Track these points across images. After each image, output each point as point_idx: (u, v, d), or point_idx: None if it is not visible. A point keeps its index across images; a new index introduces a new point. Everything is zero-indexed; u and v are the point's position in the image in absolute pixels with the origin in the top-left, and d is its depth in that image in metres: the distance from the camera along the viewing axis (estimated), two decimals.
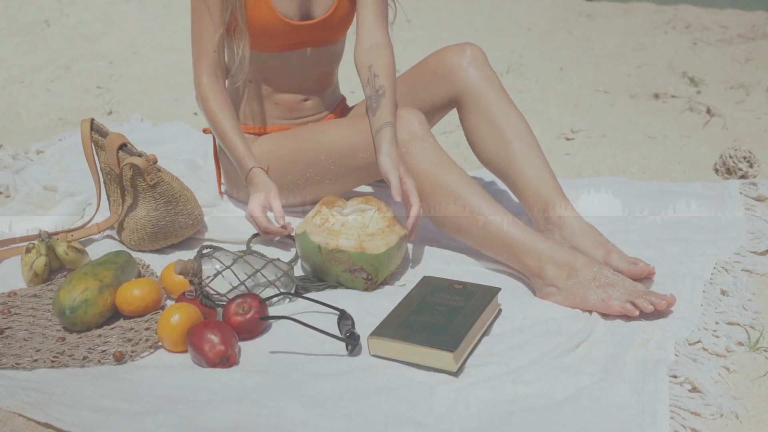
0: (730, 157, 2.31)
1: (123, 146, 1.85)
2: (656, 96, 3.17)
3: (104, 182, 1.96)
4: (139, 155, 1.82)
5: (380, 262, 1.63)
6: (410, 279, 1.72)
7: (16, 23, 4.74)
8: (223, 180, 2.13)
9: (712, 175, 2.36)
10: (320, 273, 1.68)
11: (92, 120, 1.92)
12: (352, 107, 2.15)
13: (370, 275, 1.64)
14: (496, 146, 1.83)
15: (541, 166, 1.79)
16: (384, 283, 1.70)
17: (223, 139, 1.88)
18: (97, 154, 1.94)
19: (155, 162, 1.83)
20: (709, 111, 2.92)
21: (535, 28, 4.77)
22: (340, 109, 2.13)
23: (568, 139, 2.71)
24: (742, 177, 2.28)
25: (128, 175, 1.83)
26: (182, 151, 2.50)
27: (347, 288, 1.67)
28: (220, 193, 2.14)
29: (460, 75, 1.87)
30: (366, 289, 1.66)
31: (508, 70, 3.60)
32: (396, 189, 1.65)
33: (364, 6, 1.90)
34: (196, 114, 3.01)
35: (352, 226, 1.63)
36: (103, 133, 1.91)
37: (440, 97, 1.92)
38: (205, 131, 2.13)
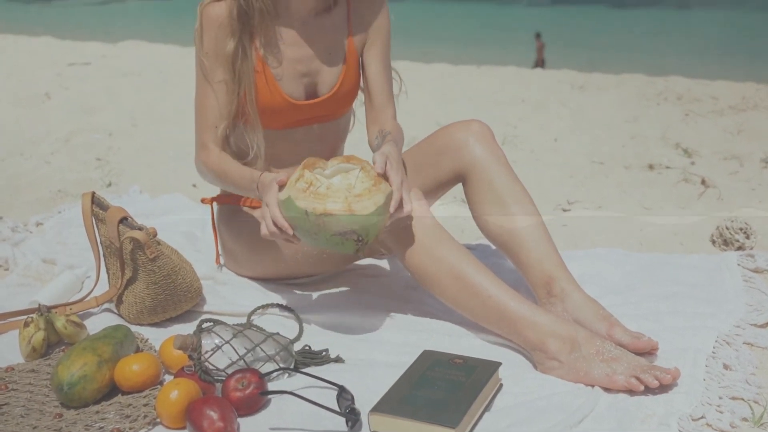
0: (727, 228, 2.33)
1: (123, 220, 1.86)
2: (651, 167, 3.20)
3: (103, 255, 1.96)
4: (140, 229, 1.83)
5: (370, 223, 1.57)
6: (411, 351, 1.71)
7: (17, 96, 4.80)
8: (221, 251, 2.14)
9: (709, 246, 2.37)
10: (308, 238, 1.62)
11: (93, 193, 1.94)
12: None
13: (361, 237, 1.58)
14: (499, 220, 1.85)
15: (544, 240, 1.80)
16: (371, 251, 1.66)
17: (228, 177, 1.86)
18: (97, 227, 1.94)
19: (155, 235, 1.84)
20: (703, 182, 2.95)
21: (529, 99, 4.85)
22: None
23: (564, 211, 2.73)
24: (739, 248, 2.29)
25: (128, 249, 1.84)
26: (181, 222, 2.51)
27: (338, 252, 1.62)
28: (218, 263, 2.14)
29: (467, 150, 1.89)
30: (357, 251, 1.61)
31: (503, 142, 3.64)
32: (379, 165, 1.65)
33: (374, 87, 1.97)
34: (194, 186, 3.03)
35: (338, 188, 1.57)
36: (104, 207, 1.92)
37: (446, 172, 1.94)
38: (203, 201, 2.14)
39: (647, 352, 1.62)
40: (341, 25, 1.95)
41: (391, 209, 1.63)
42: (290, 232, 1.62)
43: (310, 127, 1.97)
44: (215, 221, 2.11)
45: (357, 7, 1.96)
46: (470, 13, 22.22)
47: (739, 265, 2.12)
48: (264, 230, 1.65)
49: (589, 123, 4.11)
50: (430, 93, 5.12)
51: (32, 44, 8.04)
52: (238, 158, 1.96)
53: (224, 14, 1.84)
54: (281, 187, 1.65)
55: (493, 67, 7.41)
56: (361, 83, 2.02)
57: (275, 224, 1.63)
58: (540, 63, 13.10)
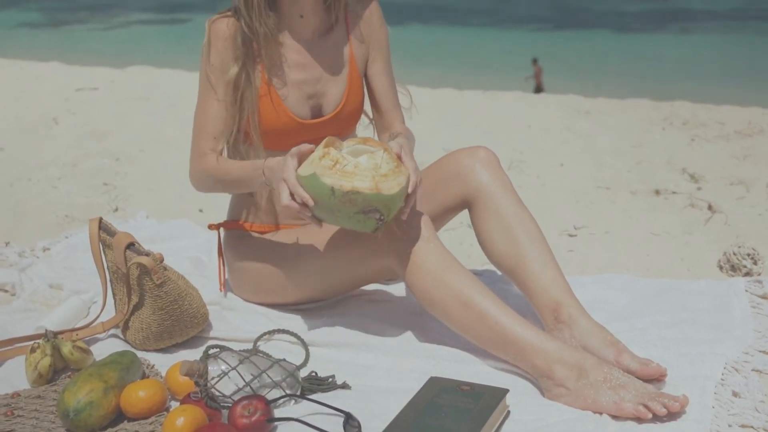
0: (734, 254, 2.32)
1: (130, 245, 1.86)
2: (657, 192, 3.20)
3: (110, 281, 1.97)
4: (147, 254, 1.83)
5: (393, 202, 1.61)
6: (417, 378, 1.70)
7: (25, 121, 4.83)
8: (227, 277, 2.14)
9: (717, 272, 2.36)
10: (328, 215, 1.64)
11: (100, 219, 1.94)
12: None
13: (383, 215, 1.62)
14: (506, 246, 1.85)
15: (551, 266, 1.80)
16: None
17: (231, 173, 1.89)
18: (104, 252, 1.95)
19: (162, 261, 1.84)
20: (710, 207, 2.94)
21: (535, 124, 4.86)
22: None
23: (571, 236, 2.73)
24: (747, 274, 2.28)
25: (135, 274, 1.84)
26: (187, 248, 2.51)
27: (356, 229, 1.66)
28: (222, 290, 2.14)
29: (473, 177, 1.90)
30: (376, 230, 1.64)
31: (509, 167, 3.65)
32: (396, 148, 1.69)
33: (380, 98, 2.03)
34: (201, 211, 3.04)
35: (366, 167, 1.59)
36: (111, 232, 1.92)
37: (452, 198, 1.94)
38: (210, 227, 2.14)
39: (655, 379, 1.61)
40: (342, 45, 1.99)
41: (409, 190, 1.66)
42: (311, 203, 1.62)
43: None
44: (222, 246, 2.11)
45: (355, 24, 2.00)
46: (474, 38, 22.32)
47: (746, 291, 2.11)
48: (285, 200, 1.66)
49: (595, 148, 4.12)
50: (436, 118, 5.13)
51: (40, 69, 8.08)
52: None
53: (231, 31, 1.88)
54: (300, 162, 1.67)
55: (498, 92, 7.43)
56: (367, 100, 2.06)
57: (293, 198, 1.65)
58: (539, 87, 13.19)
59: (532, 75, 13.70)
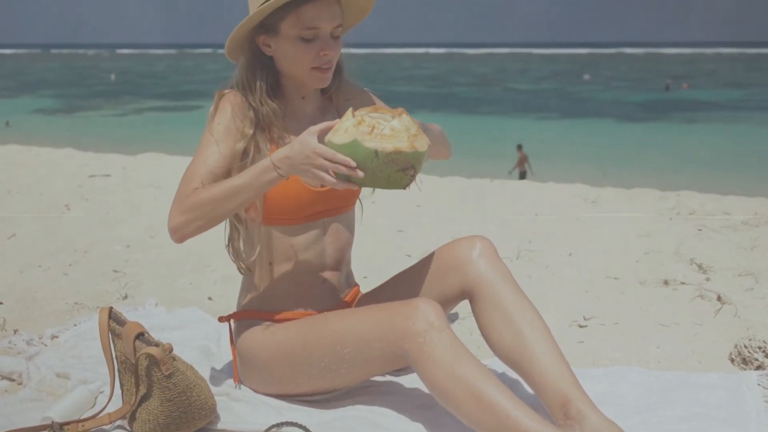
0: (745, 347, 2.31)
1: (140, 335, 1.87)
2: (666, 283, 3.20)
3: (118, 370, 1.96)
4: (156, 345, 1.83)
5: (424, 158, 1.75)
6: None
7: (38, 207, 4.89)
8: (239, 369, 2.13)
9: (728, 365, 2.34)
10: (369, 176, 1.71)
11: (111, 309, 1.95)
12: (368, 293, 2.18)
13: (416, 171, 1.74)
14: (510, 340, 1.85)
15: (557, 359, 1.79)
16: None
17: (224, 185, 1.82)
18: (113, 342, 1.95)
19: (171, 351, 1.84)
20: (719, 298, 2.94)
21: (543, 214, 4.89)
22: (354, 295, 2.16)
23: (581, 327, 2.72)
24: (759, 368, 2.27)
25: (144, 365, 1.84)
26: (196, 337, 2.51)
27: (390, 188, 1.74)
28: (236, 381, 2.12)
29: (471, 268, 1.91)
30: (407, 186, 1.75)
31: (517, 256, 3.66)
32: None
33: None
34: (210, 299, 3.04)
35: (400, 129, 1.71)
36: (121, 322, 1.93)
37: (452, 290, 1.96)
38: (220, 320, 2.14)
39: None
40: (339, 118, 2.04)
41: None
42: (353, 164, 1.67)
43: (323, 221, 2.02)
44: (233, 337, 2.11)
45: (347, 102, 2.07)
46: (481, 126, 22.68)
47: (759, 385, 2.09)
48: (326, 177, 1.69)
49: (603, 238, 4.13)
50: (444, 207, 5.18)
51: (54, 156, 8.23)
52: (243, 260, 2.01)
53: (239, 102, 1.93)
54: (321, 137, 1.74)
55: (505, 180, 7.52)
56: None
57: (333, 163, 1.68)
58: (524, 174, 13.39)
59: (516, 163, 13.99)
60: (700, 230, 4.25)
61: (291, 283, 2.03)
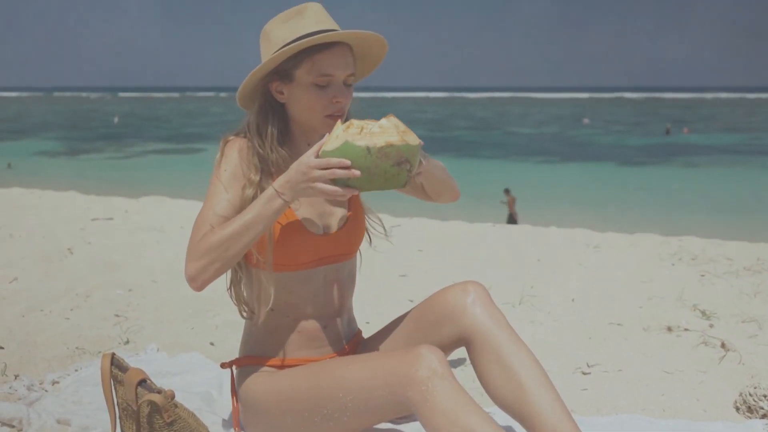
0: (750, 395, 2.29)
1: (142, 382, 1.86)
2: (669, 329, 3.19)
3: (119, 417, 1.95)
4: (158, 392, 1.82)
5: (416, 153, 1.75)
6: None
7: (41, 251, 4.89)
8: (241, 415, 2.11)
9: (733, 413, 2.33)
10: (365, 177, 1.71)
11: (113, 355, 1.94)
12: (367, 339, 2.17)
13: (411, 165, 1.75)
14: (509, 389, 1.84)
15: (558, 409, 1.78)
16: None
17: (236, 222, 1.82)
18: (115, 388, 1.94)
19: (173, 398, 1.83)
20: (723, 345, 2.92)
21: (545, 259, 4.89)
22: (356, 341, 2.15)
23: (584, 374, 2.70)
24: (764, 416, 2.25)
25: (145, 412, 1.82)
26: (197, 383, 2.49)
27: (390, 188, 1.76)
28: (237, 429, 2.11)
29: (466, 315, 1.91)
30: (405, 184, 1.76)
31: (520, 302, 3.65)
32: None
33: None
34: (212, 344, 3.03)
35: (388, 126, 1.74)
36: (123, 368, 1.92)
37: (447, 337, 1.95)
38: (223, 366, 2.13)
39: None
40: None
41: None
42: (348, 163, 1.68)
43: (326, 267, 2.01)
44: (235, 384, 2.09)
45: None
46: (483, 170, 22.77)
47: None
48: (325, 187, 1.70)
49: (606, 283, 4.13)
50: (445, 251, 5.18)
51: (57, 199, 8.26)
52: (247, 307, 2.00)
53: (245, 149, 1.94)
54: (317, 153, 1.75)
55: (506, 225, 7.53)
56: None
57: (327, 170, 1.70)
58: (513, 218, 13.44)
59: (506, 203, 14.08)
60: (702, 276, 4.25)
61: (293, 330, 2.03)
